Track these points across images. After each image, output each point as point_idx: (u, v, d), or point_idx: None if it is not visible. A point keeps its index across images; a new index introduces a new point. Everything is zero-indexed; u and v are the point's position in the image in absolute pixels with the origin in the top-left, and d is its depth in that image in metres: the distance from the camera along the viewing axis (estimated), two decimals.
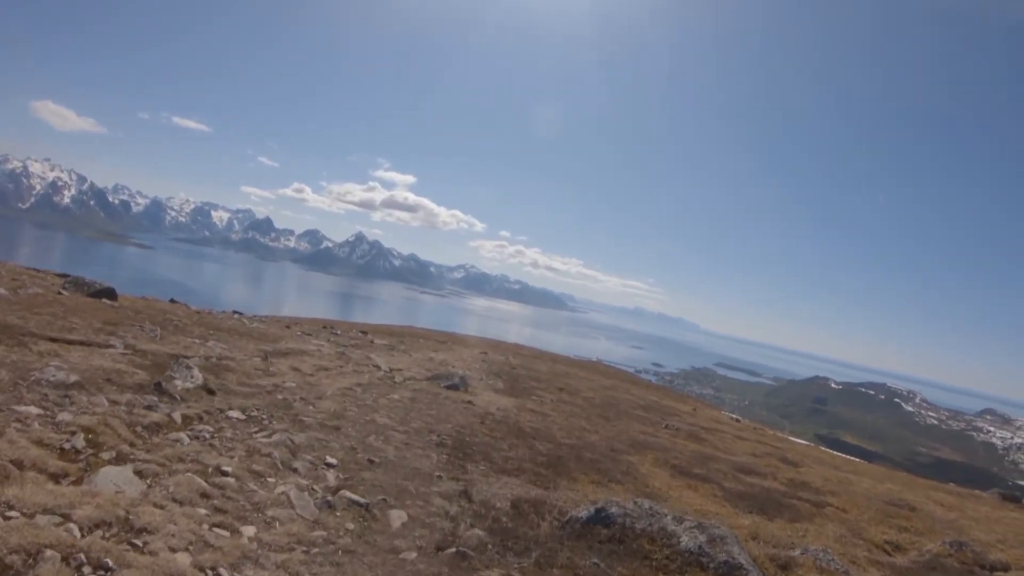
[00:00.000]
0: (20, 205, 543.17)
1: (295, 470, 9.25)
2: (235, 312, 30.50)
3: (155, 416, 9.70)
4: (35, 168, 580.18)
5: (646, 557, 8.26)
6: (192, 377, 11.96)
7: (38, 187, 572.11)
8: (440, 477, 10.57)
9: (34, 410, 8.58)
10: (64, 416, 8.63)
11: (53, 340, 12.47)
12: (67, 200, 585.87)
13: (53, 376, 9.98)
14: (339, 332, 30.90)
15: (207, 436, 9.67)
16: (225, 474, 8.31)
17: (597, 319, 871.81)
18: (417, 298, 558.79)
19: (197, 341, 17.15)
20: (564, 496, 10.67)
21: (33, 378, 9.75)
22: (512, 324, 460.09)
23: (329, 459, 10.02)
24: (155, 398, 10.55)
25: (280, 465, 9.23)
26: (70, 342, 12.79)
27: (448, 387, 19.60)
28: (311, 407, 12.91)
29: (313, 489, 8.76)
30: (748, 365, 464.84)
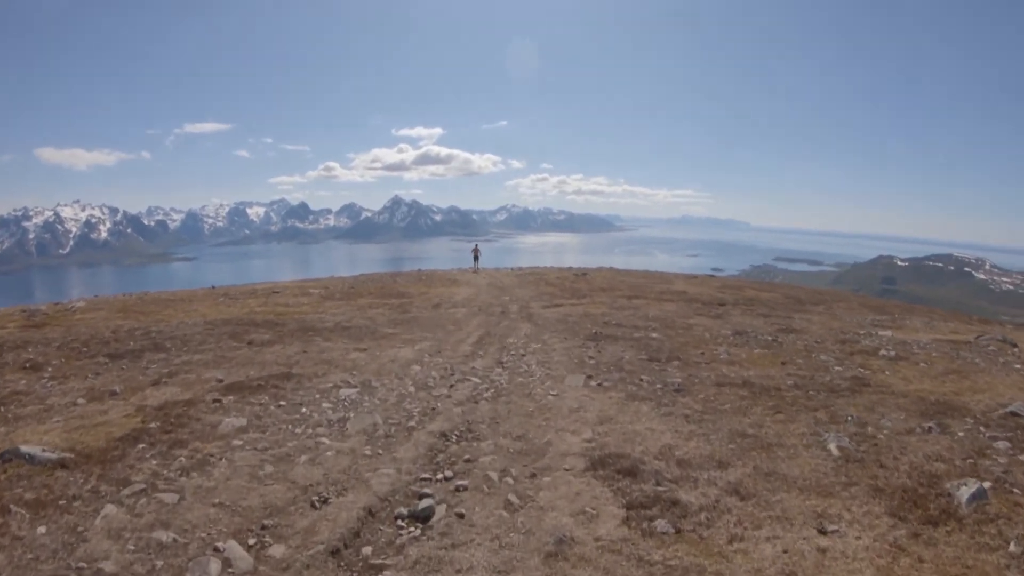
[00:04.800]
0: (61, 251, 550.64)
1: None
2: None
3: None
4: (66, 212, 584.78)
5: None
6: None
7: (74, 230, 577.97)
8: None
9: None
10: None
11: None
12: (104, 234, 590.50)
13: None
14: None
15: None
16: None
17: (648, 234, 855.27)
18: (464, 248, 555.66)
19: None
20: None
21: None
22: (565, 254, 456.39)
23: None
24: None
25: None
26: None
27: None
28: None
29: None
30: (808, 255, 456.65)
